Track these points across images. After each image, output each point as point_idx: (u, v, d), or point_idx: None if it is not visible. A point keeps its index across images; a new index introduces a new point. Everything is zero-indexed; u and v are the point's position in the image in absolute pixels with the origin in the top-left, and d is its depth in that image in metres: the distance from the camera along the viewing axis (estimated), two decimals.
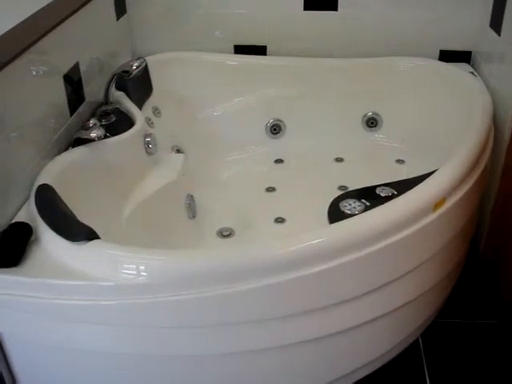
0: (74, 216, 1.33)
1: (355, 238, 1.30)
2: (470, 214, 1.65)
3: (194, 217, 1.91)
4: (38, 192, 1.37)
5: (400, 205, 1.41)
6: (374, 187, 1.53)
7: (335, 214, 1.47)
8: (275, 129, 2.30)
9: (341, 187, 2.09)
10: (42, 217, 1.30)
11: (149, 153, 1.79)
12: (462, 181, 1.53)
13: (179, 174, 1.81)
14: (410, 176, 1.66)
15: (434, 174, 1.50)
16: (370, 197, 1.51)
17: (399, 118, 2.25)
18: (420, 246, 1.44)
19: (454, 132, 1.96)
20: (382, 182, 1.72)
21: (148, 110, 2.05)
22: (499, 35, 1.98)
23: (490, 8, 2.07)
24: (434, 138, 2.13)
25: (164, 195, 1.76)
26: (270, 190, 2.14)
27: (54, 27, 1.62)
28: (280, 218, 1.97)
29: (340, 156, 2.27)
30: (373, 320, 1.44)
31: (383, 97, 2.25)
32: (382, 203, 1.41)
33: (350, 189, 2.05)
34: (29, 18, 1.58)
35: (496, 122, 1.91)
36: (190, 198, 1.91)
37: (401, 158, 2.23)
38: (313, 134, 2.29)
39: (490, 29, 2.07)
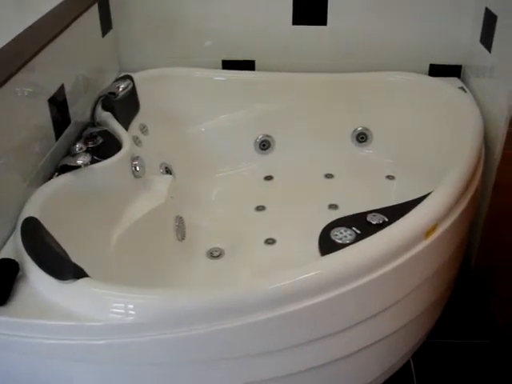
0: (62, 251, 1.30)
1: (347, 271, 1.29)
2: (461, 237, 1.64)
3: (183, 238, 1.89)
4: (24, 226, 1.34)
5: (392, 234, 1.39)
6: (365, 214, 1.51)
7: (326, 243, 1.45)
8: (264, 144, 2.28)
9: (331, 206, 2.08)
10: (29, 254, 1.28)
11: (136, 176, 1.76)
12: (453, 206, 1.51)
13: (167, 197, 1.78)
14: (400, 192, 1.64)
15: (425, 201, 1.48)
16: (360, 224, 1.49)
17: (389, 133, 2.24)
18: (412, 273, 1.43)
19: (443, 147, 1.95)
20: (372, 199, 1.70)
21: (135, 128, 2.01)
22: (490, 51, 1.96)
23: (481, 23, 2.06)
24: (424, 154, 2.12)
25: (152, 219, 1.73)
26: (260, 208, 2.11)
27: (39, 50, 1.58)
28: (270, 239, 1.95)
29: (330, 172, 2.25)
30: (362, 349, 1.43)
31: (373, 112, 2.23)
32: (374, 231, 1.39)
33: (341, 207, 2.05)
34: (12, 41, 1.54)
35: (486, 137, 1.90)
36: (179, 219, 1.88)
37: (391, 174, 2.21)
38: (302, 149, 2.26)
39: (480, 44, 2.05)
